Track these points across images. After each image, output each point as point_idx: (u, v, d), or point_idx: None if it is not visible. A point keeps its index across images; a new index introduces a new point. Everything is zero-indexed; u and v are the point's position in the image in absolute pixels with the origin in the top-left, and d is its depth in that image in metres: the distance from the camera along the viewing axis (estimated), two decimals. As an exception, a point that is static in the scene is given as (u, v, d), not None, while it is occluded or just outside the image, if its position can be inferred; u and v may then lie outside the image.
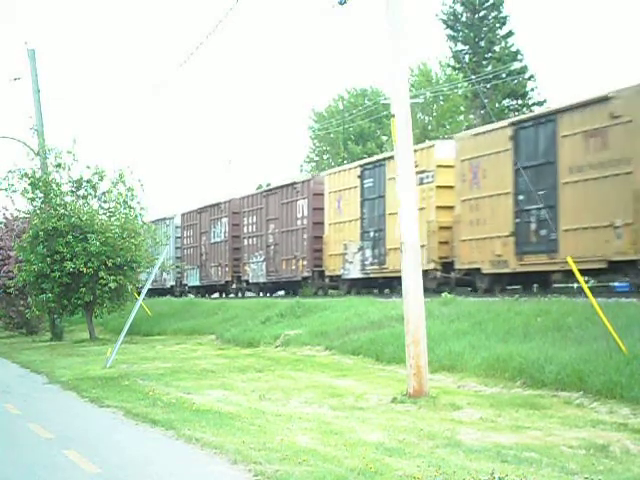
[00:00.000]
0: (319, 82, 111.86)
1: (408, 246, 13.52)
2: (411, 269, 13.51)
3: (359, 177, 29.79)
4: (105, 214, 30.89)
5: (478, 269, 24.13)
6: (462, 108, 61.45)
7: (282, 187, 35.33)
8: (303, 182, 34.10)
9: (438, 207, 26.07)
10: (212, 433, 10.82)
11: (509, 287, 24.18)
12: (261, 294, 37.41)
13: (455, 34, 54.90)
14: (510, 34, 53.82)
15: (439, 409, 12.43)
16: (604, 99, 20.12)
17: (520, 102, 54.15)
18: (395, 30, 13.58)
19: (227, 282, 39.97)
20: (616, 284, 23.25)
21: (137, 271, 30.69)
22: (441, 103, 62.99)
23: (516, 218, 22.46)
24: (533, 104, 54.06)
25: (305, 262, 33.26)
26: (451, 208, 25.43)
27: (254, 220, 37.52)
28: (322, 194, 32.40)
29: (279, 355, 20.84)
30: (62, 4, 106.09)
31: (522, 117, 25.39)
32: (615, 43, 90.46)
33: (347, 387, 14.99)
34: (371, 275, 29.30)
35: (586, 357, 13.31)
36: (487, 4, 53.79)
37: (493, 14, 53.99)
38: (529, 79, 53.69)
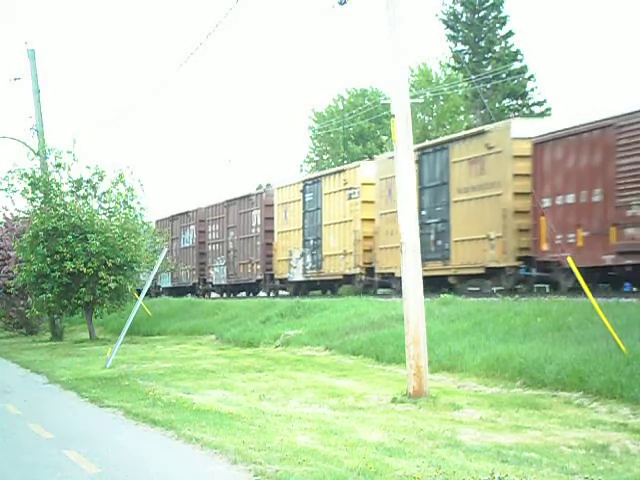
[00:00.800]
0: (319, 82, 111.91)
1: (408, 246, 13.51)
2: (411, 269, 13.50)
3: (301, 191, 33.53)
4: (105, 214, 30.89)
5: (393, 273, 27.35)
6: (462, 108, 61.41)
7: (240, 198, 38.81)
8: (257, 194, 37.92)
9: (363, 219, 29.95)
10: (212, 433, 10.82)
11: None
12: (224, 295, 40.84)
13: (455, 34, 54.86)
14: (510, 34, 53.79)
15: (439, 409, 12.43)
16: (482, 132, 24.41)
17: (520, 102, 54.12)
18: (395, 30, 13.58)
19: (194, 284, 43.71)
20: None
21: (137, 271, 30.68)
22: (441, 103, 62.95)
23: (419, 230, 23.69)
24: (533, 104, 54.04)
25: (259, 266, 36.94)
26: (373, 220, 29.40)
27: (217, 228, 41.14)
28: (272, 205, 36.07)
29: (279, 355, 20.84)
30: (62, 4, 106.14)
31: (425, 144, 29.14)
32: (615, 42, 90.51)
33: (347, 387, 14.99)
34: (311, 278, 33.14)
35: (586, 357, 13.31)
36: (487, 4, 53.76)
37: (493, 14, 53.95)
38: (529, 79, 53.65)
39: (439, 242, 25.85)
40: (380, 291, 30.54)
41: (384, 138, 63.86)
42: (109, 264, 29.00)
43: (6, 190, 30.88)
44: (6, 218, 35.93)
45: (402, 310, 13.86)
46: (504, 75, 52.29)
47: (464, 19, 54.64)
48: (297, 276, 33.73)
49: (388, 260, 27.69)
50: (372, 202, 29.36)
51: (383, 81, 64.76)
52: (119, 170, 30.74)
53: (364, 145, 65.36)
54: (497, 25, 53.97)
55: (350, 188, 30.40)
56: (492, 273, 23.88)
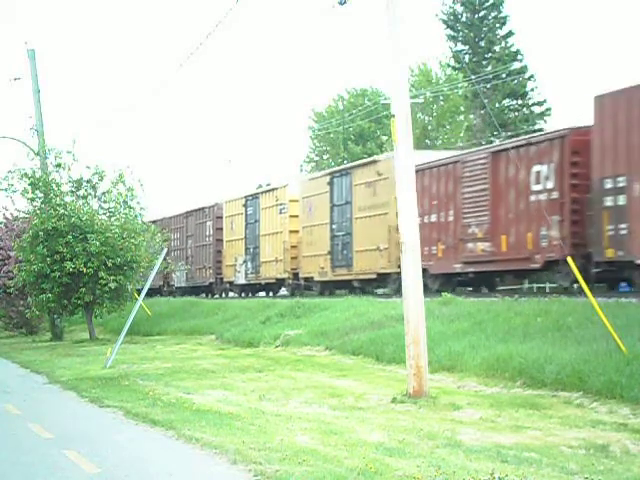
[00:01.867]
0: (319, 82, 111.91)
1: (408, 246, 13.51)
2: (411, 269, 13.50)
3: (244, 206, 38.27)
4: (105, 214, 30.89)
5: (312, 277, 33.06)
6: (462, 108, 61.40)
7: (196, 210, 43.77)
8: (210, 207, 42.34)
9: (290, 231, 34.73)
10: (212, 433, 10.82)
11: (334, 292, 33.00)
12: (186, 296, 43.05)
13: (455, 34, 54.86)
14: (510, 34, 53.78)
15: (439, 409, 12.43)
16: (374, 161, 30.31)
17: (520, 102, 54.12)
18: (395, 30, 13.58)
19: (160, 286, 46.92)
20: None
21: (137, 271, 30.69)
22: (441, 103, 62.95)
23: (331, 241, 31.65)
24: (533, 104, 54.05)
25: (211, 271, 41.85)
26: (297, 232, 34.33)
27: (178, 236, 45.63)
28: (222, 217, 40.96)
29: (279, 355, 20.84)
30: (62, 4, 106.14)
31: (334, 169, 35.07)
32: (615, 42, 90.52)
33: (347, 387, 14.99)
34: (251, 282, 37.99)
35: (586, 357, 13.32)
36: (487, 4, 53.76)
37: (493, 14, 53.94)
38: (529, 79, 53.65)
39: (345, 252, 30.95)
40: (380, 291, 30.71)
41: (384, 138, 63.84)
42: (109, 264, 29.00)
43: (6, 190, 30.89)
44: (6, 218, 35.93)
45: (402, 310, 13.86)
46: (504, 75, 52.28)
47: (464, 19, 54.64)
48: (241, 279, 38.75)
49: (309, 266, 33.22)
50: (297, 216, 34.45)
51: (383, 81, 64.78)
52: (119, 170, 30.77)
53: (364, 145, 65.36)
54: (497, 25, 53.98)
55: (280, 204, 35.46)
56: (382, 278, 28.93)
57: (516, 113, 54.18)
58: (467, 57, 54.43)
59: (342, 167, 34.23)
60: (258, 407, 13.03)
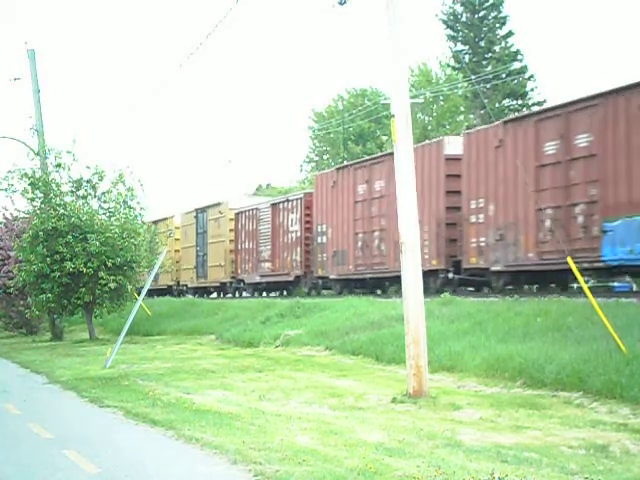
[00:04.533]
0: (319, 82, 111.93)
1: (407, 246, 13.51)
2: (411, 269, 13.50)
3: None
4: (105, 214, 30.88)
5: (187, 284, 45.48)
6: (462, 108, 61.42)
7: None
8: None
9: (175, 250, 45.62)
10: (212, 433, 10.82)
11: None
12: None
13: (455, 34, 54.88)
14: (510, 34, 53.81)
15: (439, 409, 12.43)
16: (219, 204, 41.86)
17: (520, 102, 54.13)
18: (395, 30, 13.58)
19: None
20: (616, 284, 23.95)
21: (137, 271, 30.69)
22: (441, 103, 62.97)
23: (196, 259, 43.83)
24: (533, 104, 54.03)
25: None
26: (178, 251, 45.91)
27: None
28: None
29: (279, 355, 20.84)
30: (62, 4, 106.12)
31: (199, 206, 44.03)
32: (615, 42, 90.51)
33: (347, 387, 14.98)
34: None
35: (586, 357, 13.31)
36: (487, 4, 53.77)
37: (493, 14, 53.97)
38: (529, 79, 53.67)
39: (203, 267, 42.98)
40: (380, 291, 30.75)
41: (384, 138, 63.87)
42: (109, 264, 29.00)
43: (6, 190, 30.89)
44: (6, 218, 35.94)
45: (402, 310, 13.86)
46: (504, 75, 52.30)
47: (464, 19, 54.66)
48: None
49: (185, 276, 45.48)
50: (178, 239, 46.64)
51: (383, 81, 64.76)
52: (119, 170, 30.77)
53: (364, 145, 65.35)
54: (497, 25, 54.00)
55: (169, 230, 46.10)
56: (223, 285, 42.14)
57: (516, 113, 54.15)
58: (467, 57, 54.45)
59: (202, 206, 43.84)
60: (258, 407, 13.03)
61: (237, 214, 39.72)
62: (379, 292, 30.22)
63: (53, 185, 30.27)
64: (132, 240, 29.58)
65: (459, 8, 54.88)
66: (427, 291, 18.13)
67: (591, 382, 12.63)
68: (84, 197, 30.94)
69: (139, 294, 44.36)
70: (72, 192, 30.88)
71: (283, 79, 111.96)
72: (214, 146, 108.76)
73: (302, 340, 21.80)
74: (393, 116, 13.63)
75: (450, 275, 25.39)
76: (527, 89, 53.76)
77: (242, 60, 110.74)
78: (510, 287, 24.03)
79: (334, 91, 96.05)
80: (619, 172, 19.65)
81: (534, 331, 16.04)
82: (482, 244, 23.89)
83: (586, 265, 20.30)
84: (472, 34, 53.79)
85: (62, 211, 29.55)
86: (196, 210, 44.04)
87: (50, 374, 19.62)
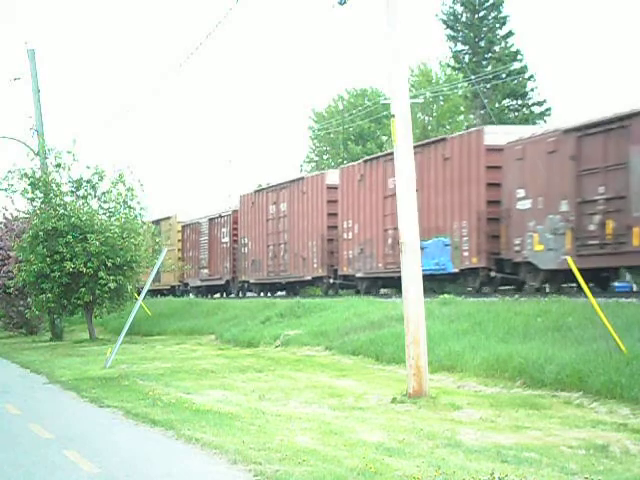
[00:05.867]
0: (319, 82, 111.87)
1: (408, 246, 13.50)
2: (411, 269, 13.50)
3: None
4: (105, 214, 30.87)
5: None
6: (462, 108, 61.37)
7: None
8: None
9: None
10: (212, 433, 10.82)
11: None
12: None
13: (455, 34, 54.86)
14: (510, 34, 53.79)
15: (439, 409, 12.43)
16: (168, 218, 46.56)
17: (520, 102, 54.12)
18: (395, 30, 13.58)
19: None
20: (616, 284, 23.97)
21: (137, 271, 30.69)
22: (441, 103, 62.91)
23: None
24: (533, 104, 54.05)
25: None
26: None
27: None
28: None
29: (279, 355, 20.84)
30: (62, 4, 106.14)
31: (154, 219, 43.65)
32: (615, 42, 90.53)
33: (347, 387, 14.99)
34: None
35: (586, 357, 13.31)
36: (487, 4, 53.76)
37: (493, 14, 53.95)
38: (529, 79, 53.66)
39: (158, 271, 46.86)
40: (382, 291, 30.85)
41: (384, 138, 63.84)
42: (109, 264, 28.99)
43: (6, 190, 30.88)
44: (6, 218, 35.93)
45: (402, 310, 13.86)
46: (504, 75, 52.29)
47: (464, 19, 54.64)
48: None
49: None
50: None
51: (383, 81, 64.71)
52: (119, 170, 30.75)
53: (364, 145, 65.32)
54: (497, 25, 53.98)
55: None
56: (172, 288, 46.77)
57: (516, 113, 54.17)
58: (467, 57, 54.42)
59: (157, 218, 44.96)
60: (258, 407, 13.03)
61: (183, 227, 46.02)
62: (285, 292, 37.72)
63: (53, 185, 30.26)
64: (132, 240, 29.57)
65: (459, 8, 54.86)
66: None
67: (591, 382, 12.63)
68: (84, 197, 30.93)
69: (140, 294, 45.21)
70: (72, 192, 30.87)
71: (283, 79, 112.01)
72: (214, 146, 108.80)
73: (302, 340, 21.80)
74: (393, 116, 13.63)
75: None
76: (527, 89, 53.74)
77: (242, 60, 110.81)
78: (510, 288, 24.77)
79: (334, 91, 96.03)
80: (430, 203, 25.50)
81: (534, 331, 16.04)
82: (350, 256, 30.25)
83: None
84: (472, 34, 53.77)
85: (62, 211, 29.55)
86: (153, 222, 44.70)
87: (50, 374, 19.62)
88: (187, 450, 10.16)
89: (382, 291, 31.10)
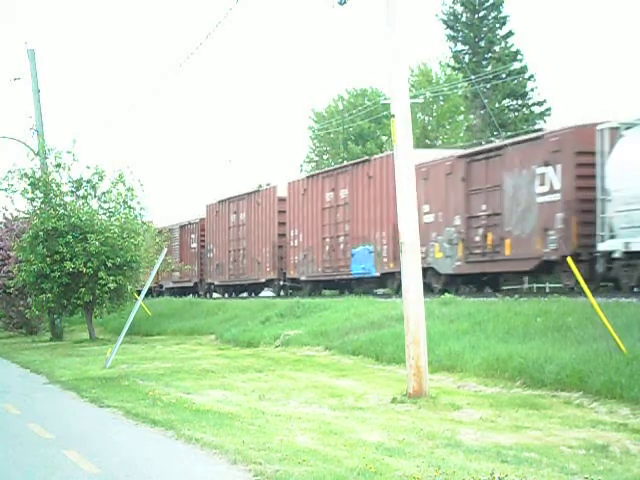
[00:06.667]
0: (319, 82, 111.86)
1: (407, 246, 13.51)
2: (411, 269, 13.50)
3: None
4: (105, 214, 30.87)
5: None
6: (462, 108, 61.34)
7: None
8: None
9: None
10: (212, 433, 10.82)
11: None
12: None
13: (455, 34, 54.81)
14: (510, 34, 53.73)
15: (439, 409, 12.43)
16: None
17: (520, 102, 54.08)
18: (395, 30, 13.57)
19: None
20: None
21: (137, 271, 30.69)
22: (441, 103, 62.88)
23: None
24: (533, 104, 54.00)
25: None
26: None
27: None
28: None
29: (279, 355, 20.84)
30: (62, 4, 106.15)
31: None
32: (615, 42, 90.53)
33: (347, 387, 14.99)
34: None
35: (586, 357, 13.31)
36: (487, 4, 53.71)
37: (493, 14, 53.89)
38: (529, 79, 53.62)
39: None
40: (380, 291, 30.80)
41: (384, 138, 63.82)
42: (109, 264, 28.99)
43: (6, 190, 30.87)
44: (6, 218, 35.93)
45: (402, 310, 13.86)
46: (504, 75, 52.24)
47: (464, 19, 54.58)
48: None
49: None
50: None
51: (383, 81, 64.71)
52: (119, 170, 30.76)
53: (364, 145, 65.30)
54: (497, 25, 53.92)
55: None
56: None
57: (516, 113, 54.14)
58: (467, 57, 54.36)
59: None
60: (258, 407, 13.03)
61: (158, 232, 49.20)
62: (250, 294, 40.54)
63: (53, 185, 30.27)
64: (132, 240, 29.57)
65: (459, 8, 54.80)
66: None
67: (591, 382, 12.63)
68: (84, 197, 30.93)
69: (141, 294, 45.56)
70: (72, 192, 30.88)
71: (283, 79, 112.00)
72: (214, 146, 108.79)
73: (302, 340, 21.80)
74: (393, 116, 13.63)
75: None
76: (527, 89, 53.70)
77: (242, 60, 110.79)
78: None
79: (334, 91, 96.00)
80: (358, 216, 29.79)
81: (534, 331, 16.04)
82: (296, 261, 33.83)
83: (344, 277, 31.29)
84: (472, 34, 53.73)
85: (62, 211, 29.56)
86: None
87: (50, 374, 19.62)
88: (187, 450, 10.16)
89: (380, 291, 31.13)
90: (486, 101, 50.15)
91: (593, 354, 13.34)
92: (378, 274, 28.80)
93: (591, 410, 12.00)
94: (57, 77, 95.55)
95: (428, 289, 25.80)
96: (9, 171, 30.37)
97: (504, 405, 12.48)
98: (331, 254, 31.38)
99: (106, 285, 29.04)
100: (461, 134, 59.24)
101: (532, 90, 53.76)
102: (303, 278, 33.79)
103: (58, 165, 30.74)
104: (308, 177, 34.26)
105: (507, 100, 54.15)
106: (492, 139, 49.97)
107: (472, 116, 56.70)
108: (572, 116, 62.83)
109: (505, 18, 53.80)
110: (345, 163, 32.44)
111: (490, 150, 24.55)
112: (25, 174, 30.39)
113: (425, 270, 24.56)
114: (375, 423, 11.43)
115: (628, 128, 19.75)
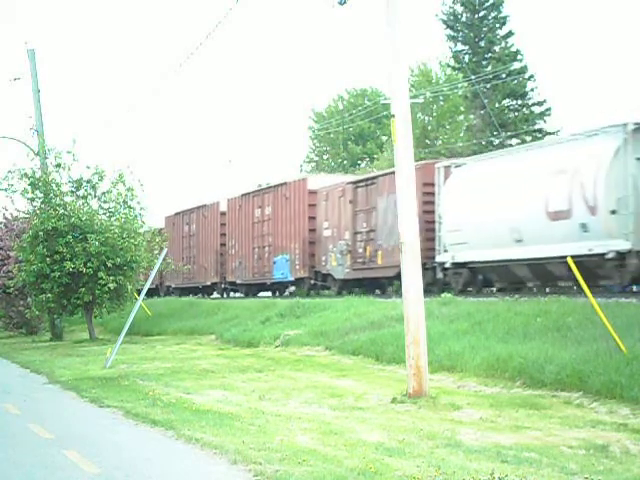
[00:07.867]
0: (319, 82, 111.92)
1: (407, 246, 13.49)
2: (411, 269, 13.49)
3: None
4: (105, 214, 30.85)
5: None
6: (462, 108, 61.35)
7: None
8: None
9: None
10: (212, 433, 10.82)
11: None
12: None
13: (455, 34, 54.86)
14: (510, 34, 53.78)
15: (439, 409, 12.43)
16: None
17: (520, 102, 54.11)
18: (395, 30, 13.57)
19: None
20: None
21: (137, 271, 30.68)
22: (441, 103, 62.88)
23: None
24: (533, 104, 54.03)
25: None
26: None
27: None
28: None
29: (279, 355, 20.84)
30: (62, 4, 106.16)
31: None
32: (615, 41, 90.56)
33: (347, 387, 14.98)
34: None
35: (586, 357, 13.31)
36: (487, 4, 53.76)
37: (493, 14, 53.95)
38: (529, 79, 53.65)
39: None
40: (378, 291, 30.82)
41: (384, 138, 63.84)
42: (109, 264, 28.98)
43: (6, 190, 30.85)
44: (6, 218, 35.92)
45: (402, 310, 13.86)
46: (504, 75, 52.27)
47: (464, 19, 54.64)
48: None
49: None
50: None
51: (383, 81, 64.73)
52: (119, 170, 30.74)
53: (364, 145, 65.35)
54: (497, 25, 53.98)
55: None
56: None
57: (516, 113, 54.18)
58: (467, 57, 54.41)
59: None
60: (258, 407, 13.03)
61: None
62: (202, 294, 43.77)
63: (53, 185, 30.25)
64: (132, 240, 29.57)
65: (459, 8, 54.85)
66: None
67: (591, 382, 12.63)
68: (84, 197, 30.91)
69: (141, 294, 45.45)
70: (72, 192, 30.85)
71: (283, 79, 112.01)
72: (214, 146, 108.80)
73: (302, 340, 21.80)
74: (393, 116, 13.62)
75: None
76: (527, 89, 53.73)
77: (242, 60, 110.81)
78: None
79: (334, 91, 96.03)
80: (278, 230, 34.80)
81: (534, 331, 16.04)
82: (234, 267, 39.03)
83: (268, 281, 36.65)
84: (472, 34, 53.77)
85: (62, 211, 29.54)
86: None
87: (50, 374, 19.62)
88: (187, 450, 10.16)
89: (378, 291, 31.22)
90: (486, 101, 50.17)
91: (593, 354, 13.34)
92: (293, 278, 34.36)
93: (591, 410, 12.00)
94: (57, 77, 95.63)
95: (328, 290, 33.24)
96: (9, 171, 30.37)
97: (504, 405, 12.48)
98: (259, 262, 36.95)
99: (106, 285, 29.02)
100: (461, 134, 59.24)
101: (532, 90, 53.83)
102: (239, 281, 39.06)
103: (58, 165, 30.73)
104: (242, 195, 38.83)
105: (507, 100, 54.19)
106: (492, 139, 50.06)
107: (472, 116, 56.71)
108: (572, 116, 62.73)
109: (505, 18, 53.85)
110: (269, 185, 37.70)
111: (369, 179, 30.42)
112: (25, 174, 30.38)
113: (325, 275, 32.73)
114: (375, 423, 11.43)
115: (457, 167, 25.90)
